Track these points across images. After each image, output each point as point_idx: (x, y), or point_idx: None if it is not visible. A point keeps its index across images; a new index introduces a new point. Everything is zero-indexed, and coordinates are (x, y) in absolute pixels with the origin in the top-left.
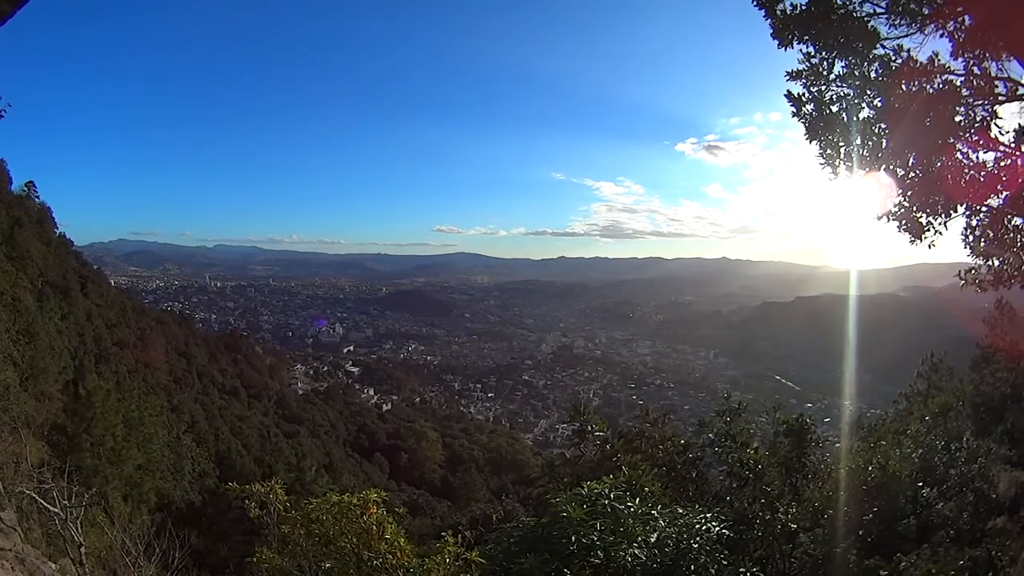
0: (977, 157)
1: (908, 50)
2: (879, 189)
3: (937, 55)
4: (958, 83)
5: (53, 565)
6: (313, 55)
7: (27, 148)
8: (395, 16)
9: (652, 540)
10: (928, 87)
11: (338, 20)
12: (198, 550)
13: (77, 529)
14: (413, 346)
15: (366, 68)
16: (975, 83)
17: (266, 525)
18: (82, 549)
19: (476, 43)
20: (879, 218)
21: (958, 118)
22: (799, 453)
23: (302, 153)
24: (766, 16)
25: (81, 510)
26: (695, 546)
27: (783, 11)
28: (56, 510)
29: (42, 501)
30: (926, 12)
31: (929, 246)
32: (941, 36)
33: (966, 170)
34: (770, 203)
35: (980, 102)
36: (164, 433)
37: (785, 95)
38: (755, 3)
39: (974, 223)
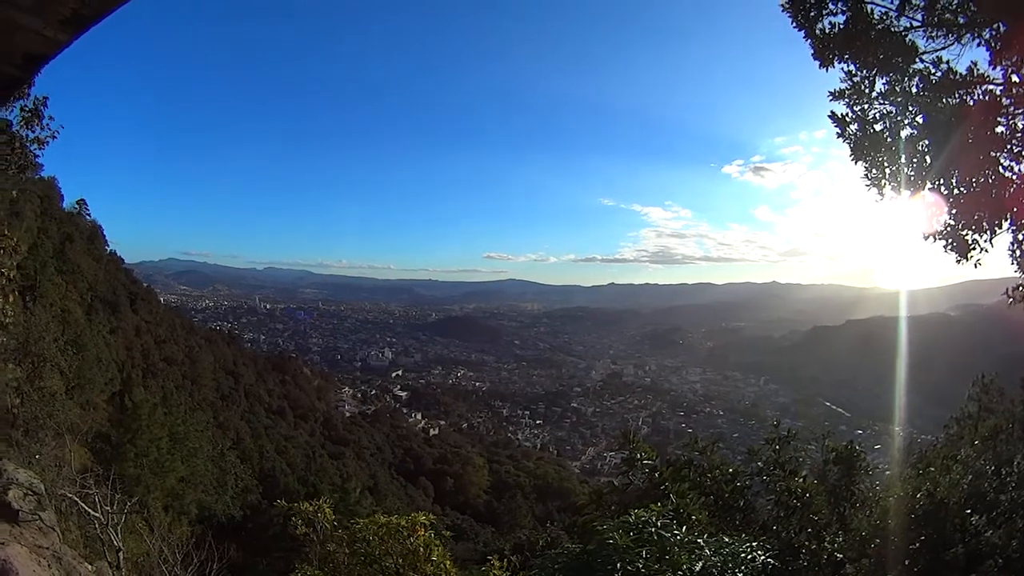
0: (1021, 168)
1: (947, 62)
2: (925, 208)
3: (976, 65)
4: (998, 92)
5: (89, 566)
6: (364, 81)
7: (80, 167)
8: (442, 44)
9: (697, 569)
10: (968, 99)
11: (385, 48)
12: (236, 563)
13: (116, 534)
14: (462, 372)
15: (417, 95)
16: (1015, 91)
17: (310, 542)
18: (120, 554)
19: (523, 70)
20: (925, 238)
21: (1000, 129)
22: (847, 481)
23: (352, 178)
24: (806, 37)
25: (122, 516)
26: (740, 575)
27: (822, 31)
28: (97, 514)
29: (83, 504)
30: (962, 21)
31: (975, 265)
32: (978, 45)
33: (1010, 183)
34: (818, 224)
35: (1021, 111)
36: (209, 448)
37: (829, 116)
38: (795, 25)
39: (1020, 237)
